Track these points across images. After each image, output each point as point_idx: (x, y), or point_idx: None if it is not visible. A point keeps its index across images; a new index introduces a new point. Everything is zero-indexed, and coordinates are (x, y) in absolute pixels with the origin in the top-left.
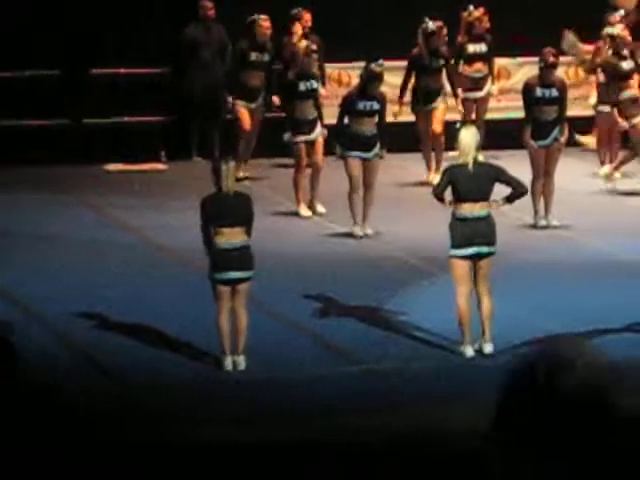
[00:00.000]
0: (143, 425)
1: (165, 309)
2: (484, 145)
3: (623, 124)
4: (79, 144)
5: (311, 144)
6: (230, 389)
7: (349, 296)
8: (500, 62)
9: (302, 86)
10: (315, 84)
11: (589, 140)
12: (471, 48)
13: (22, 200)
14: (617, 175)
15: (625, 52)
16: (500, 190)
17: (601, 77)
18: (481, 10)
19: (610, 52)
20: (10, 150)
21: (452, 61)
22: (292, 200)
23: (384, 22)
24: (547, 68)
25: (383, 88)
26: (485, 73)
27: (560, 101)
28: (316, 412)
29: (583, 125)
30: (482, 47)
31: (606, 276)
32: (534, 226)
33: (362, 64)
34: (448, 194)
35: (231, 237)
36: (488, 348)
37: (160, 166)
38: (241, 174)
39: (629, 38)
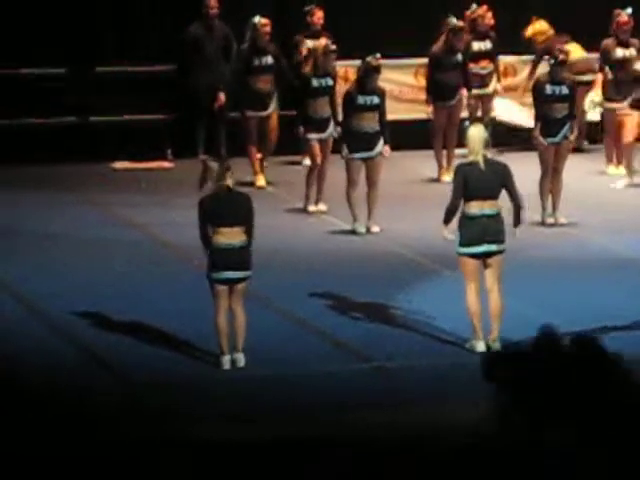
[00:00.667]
0: (144, 423)
1: (169, 306)
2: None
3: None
4: (85, 142)
5: (323, 142)
6: (233, 386)
7: (356, 293)
8: (506, 59)
9: (315, 82)
10: (331, 82)
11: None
12: (476, 46)
13: (28, 198)
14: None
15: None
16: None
17: (609, 75)
18: (484, 7)
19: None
20: (16, 148)
21: None
22: (299, 197)
23: (391, 20)
24: (557, 65)
25: (388, 85)
26: (490, 70)
27: (570, 99)
28: (324, 409)
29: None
30: (487, 44)
31: (613, 273)
32: (542, 223)
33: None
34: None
35: (230, 237)
36: (495, 346)
37: (166, 164)
38: (261, 182)
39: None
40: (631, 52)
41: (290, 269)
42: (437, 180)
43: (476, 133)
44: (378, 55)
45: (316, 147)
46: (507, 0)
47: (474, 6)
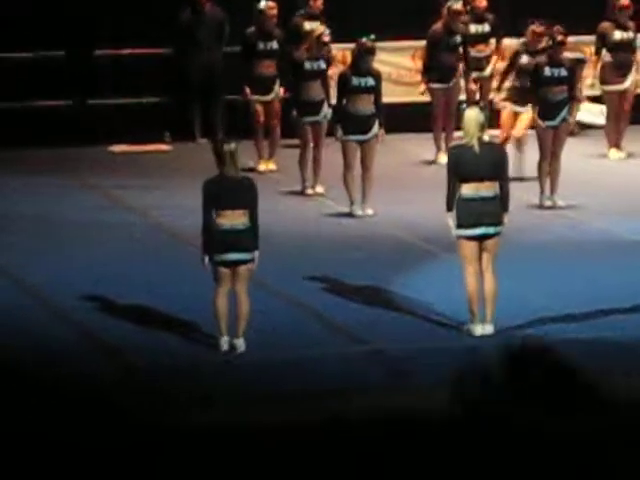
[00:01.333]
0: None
1: (169, 290)
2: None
3: None
4: (83, 125)
5: (317, 125)
6: (231, 371)
7: (353, 276)
8: (505, 42)
9: (308, 65)
10: (323, 65)
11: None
12: (473, 28)
13: (25, 181)
14: None
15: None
16: None
17: (607, 57)
18: None
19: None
20: (14, 131)
21: None
22: (296, 180)
23: (388, 2)
24: (555, 47)
25: (386, 68)
26: (487, 53)
27: (569, 80)
28: (320, 392)
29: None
30: (485, 27)
31: (611, 256)
32: (540, 206)
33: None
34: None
35: (233, 219)
36: (488, 329)
37: (164, 147)
38: (262, 167)
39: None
40: (629, 35)
41: (287, 252)
42: (434, 162)
43: (472, 116)
44: (372, 36)
45: (308, 130)
46: None
47: None
